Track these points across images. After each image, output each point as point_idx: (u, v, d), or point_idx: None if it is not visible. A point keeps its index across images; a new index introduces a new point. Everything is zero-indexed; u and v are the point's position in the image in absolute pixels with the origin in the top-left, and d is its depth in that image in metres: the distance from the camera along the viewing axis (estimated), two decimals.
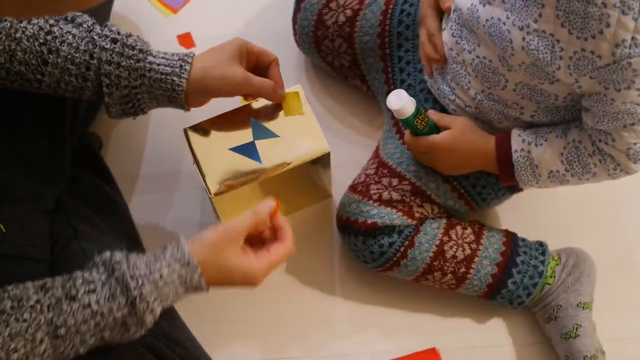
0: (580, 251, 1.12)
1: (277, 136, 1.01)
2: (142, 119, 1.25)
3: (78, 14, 0.92)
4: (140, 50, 0.91)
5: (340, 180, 1.19)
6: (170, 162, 1.25)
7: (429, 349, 1.10)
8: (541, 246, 1.10)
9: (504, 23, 0.89)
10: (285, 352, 1.13)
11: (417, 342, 1.13)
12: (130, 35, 0.92)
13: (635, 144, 0.89)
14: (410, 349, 1.12)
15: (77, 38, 0.90)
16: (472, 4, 0.94)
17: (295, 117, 1.03)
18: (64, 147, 1.04)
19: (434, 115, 1.05)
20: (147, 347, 0.91)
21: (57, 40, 0.89)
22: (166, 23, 1.37)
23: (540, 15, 0.84)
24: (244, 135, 1.01)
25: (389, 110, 1.16)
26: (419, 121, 1.01)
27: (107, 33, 0.91)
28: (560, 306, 1.07)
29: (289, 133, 1.02)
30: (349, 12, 1.18)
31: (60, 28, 0.90)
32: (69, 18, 0.91)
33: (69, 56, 0.89)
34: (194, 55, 0.96)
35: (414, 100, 0.99)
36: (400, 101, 0.99)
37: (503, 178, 1.03)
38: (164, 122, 1.19)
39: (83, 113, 1.11)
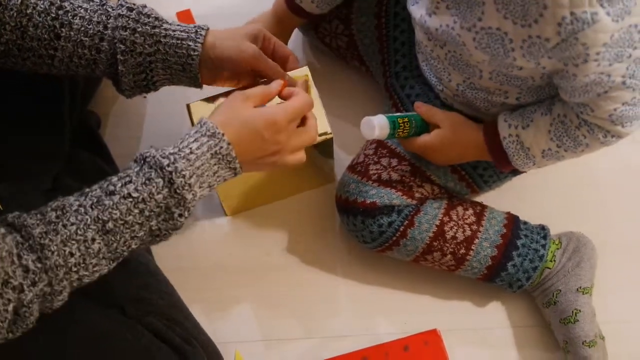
0: (581, 235, 1.11)
1: None
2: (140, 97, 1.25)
3: None
4: (156, 18, 0.92)
5: (338, 160, 1.18)
6: (169, 141, 1.21)
7: (430, 331, 1.10)
8: (543, 230, 1.10)
9: (453, 28, 0.90)
10: (286, 333, 1.13)
11: (418, 324, 1.12)
12: (145, 6, 0.92)
13: (615, 109, 0.87)
14: (411, 331, 1.11)
15: (89, 11, 0.89)
16: (421, 15, 0.96)
17: None
18: (62, 125, 1.03)
19: (422, 108, 1.04)
20: (147, 326, 0.91)
21: (69, 14, 0.89)
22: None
23: (483, 13, 0.85)
24: None
25: (387, 91, 1.16)
26: (401, 132, 1.01)
27: (122, 3, 0.91)
28: (560, 290, 1.07)
29: None
30: None
31: (71, 3, 0.89)
32: None
33: (82, 28, 0.89)
34: (208, 27, 0.95)
35: (385, 118, 0.99)
36: (372, 131, 0.98)
37: (500, 165, 1.02)
38: (164, 100, 1.18)
39: (81, 91, 1.10)
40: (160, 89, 0.97)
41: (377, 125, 0.97)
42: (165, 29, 0.91)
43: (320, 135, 1.00)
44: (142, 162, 0.80)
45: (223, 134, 0.83)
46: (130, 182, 0.78)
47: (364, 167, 1.08)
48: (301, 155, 0.93)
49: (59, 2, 0.89)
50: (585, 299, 1.06)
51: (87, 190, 0.79)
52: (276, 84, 0.94)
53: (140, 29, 0.89)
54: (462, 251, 1.06)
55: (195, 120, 0.98)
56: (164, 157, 0.79)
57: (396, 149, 1.08)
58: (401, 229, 1.04)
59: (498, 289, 1.12)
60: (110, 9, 0.90)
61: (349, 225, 1.09)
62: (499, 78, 0.93)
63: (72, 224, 0.75)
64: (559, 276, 1.07)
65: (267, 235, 1.19)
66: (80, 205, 0.76)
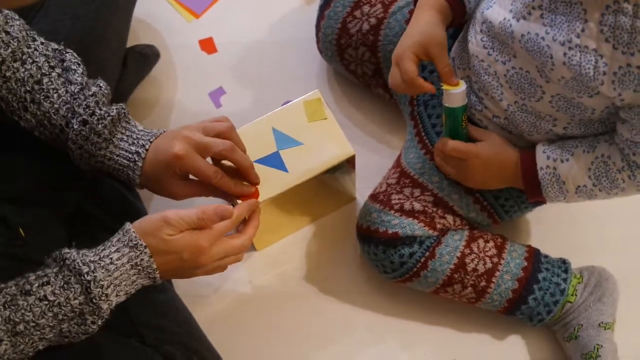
0: (603, 270, 1.10)
1: (301, 144, 1.01)
2: (162, 122, 1.25)
3: (74, 67, 0.92)
4: (105, 139, 0.91)
5: (360, 188, 1.18)
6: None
7: None
8: (564, 264, 1.09)
9: (543, 38, 0.86)
10: None
11: (436, 356, 1.12)
12: (103, 117, 0.90)
13: None
14: None
15: (61, 100, 0.90)
16: (504, 19, 0.91)
17: (317, 123, 1.03)
18: None
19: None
20: (165, 355, 0.91)
21: (42, 94, 0.89)
22: (188, 28, 1.37)
23: (583, 30, 0.82)
24: (268, 146, 1.01)
25: (413, 119, 1.15)
26: (465, 116, 0.99)
27: (82, 112, 0.90)
28: (581, 325, 1.05)
29: (312, 140, 1.02)
30: (373, 20, 1.17)
31: (50, 81, 0.90)
32: (65, 66, 0.91)
33: (48, 114, 0.90)
34: (151, 141, 0.92)
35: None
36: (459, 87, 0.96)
37: (530, 195, 1.01)
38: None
39: None
40: (182, 114, 0.97)
41: (465, 87, 0.96)
42: (110, 152, 0.91)
43: (343, 156, 1.01)
44: (61, 263, 0.79)
45: (145, 246, 0.82)
46: (47, 283, 0.77)
47: (386, 197, 1.08)
48: (225, 264, 0.91)
49: (39, 76, 0.89)
50: (607, 334, 1.05)
51: (2, 286, 0.77)
52: (215, 215, 0.88)
53: (86, 147, 0.91)
54: (483, 284, 1.05)
55: None
56: (84, 264, 0.79)
57: (419, 178, 1.08)
58: (422, 260, 1.04)
59: (518, 322, 1.10)
60: (76, 107, 0.89)
61: (370, 254, 1.08)
62: (559, 103, 0.92)
63: None
64: (580, 311, 1.06)
65: (285, 264, 1.19)
66: None
